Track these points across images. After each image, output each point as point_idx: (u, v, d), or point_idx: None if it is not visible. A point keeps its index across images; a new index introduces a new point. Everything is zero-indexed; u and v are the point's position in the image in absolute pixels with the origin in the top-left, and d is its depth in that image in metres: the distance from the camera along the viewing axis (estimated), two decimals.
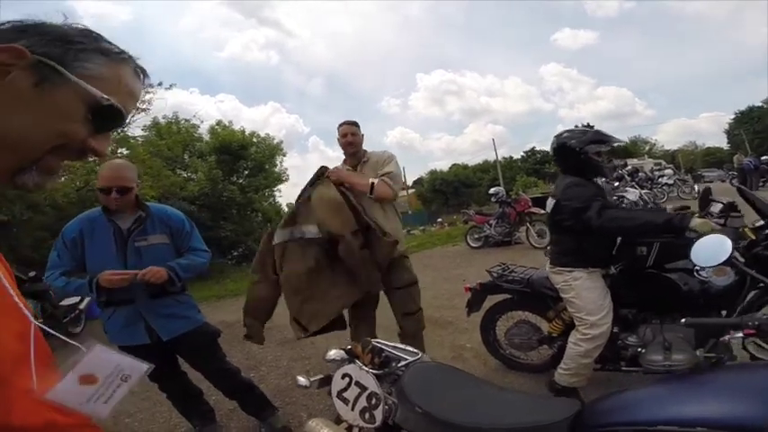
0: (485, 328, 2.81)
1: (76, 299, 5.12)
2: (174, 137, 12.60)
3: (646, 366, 2.10)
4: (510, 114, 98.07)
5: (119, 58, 0.52)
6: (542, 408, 1.00)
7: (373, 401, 1.13)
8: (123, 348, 1.92)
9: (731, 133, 42.12)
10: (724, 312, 2.03)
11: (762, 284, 1.91)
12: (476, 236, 9.02)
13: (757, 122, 38.46)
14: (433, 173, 43.53)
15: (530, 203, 8.61)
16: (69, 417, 0.53)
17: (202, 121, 14.27)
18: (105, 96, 0.50)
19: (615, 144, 2.25)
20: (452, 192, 37.10)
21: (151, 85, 10.44)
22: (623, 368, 2.22)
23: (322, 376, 1.39)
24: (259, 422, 2.38)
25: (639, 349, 2.13)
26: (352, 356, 1.32)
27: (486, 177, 37.36)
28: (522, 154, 43.91)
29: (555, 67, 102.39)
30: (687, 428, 0.74)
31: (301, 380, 1.43)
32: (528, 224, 8.13)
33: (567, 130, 2.32)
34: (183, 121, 13.69)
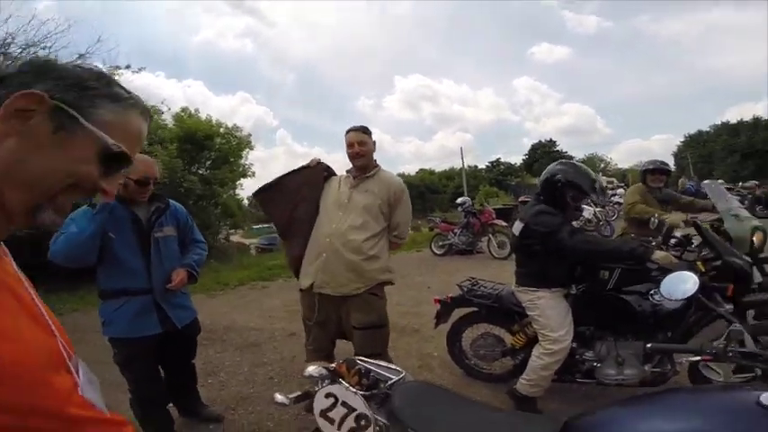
0: (451, 339, 2.89)
1: None
2: None
3: (600, 379, 2.25)
4: (479, 124, 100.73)
5: (127, 103, 0.56)
6: (527, 427, 1.05)
7: (362, 423, 1.14)
8: (129, 340, 2.05)
9: (678, 156, 44.43)
10: (669, 333, 2.22)
11: (703, 309, 2.11)
12: (440, 243, 9.21)
13: (703, 147, 40.86)
14: (400, 176, 43.92)
15: (493, 215, 8.93)
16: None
17: (169, 108, 13.59)
18: (116, 143, 0.54)
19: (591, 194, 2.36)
20: (418, 196, 37.61)
21: (118, 67, 9.90)
22: (578, 380, 2.37)
23: (300, 393, 1.39)
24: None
25: (595, 363, 2.28)
26: (335, 376, 1.30)
27: (451, 184, 38.16)
28: (487, 164, 45.30)
29: (527, 81, 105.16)
30: None
31: (279, 397, 1.40)
32: (490, 235, 8.41)
33: (565, 163, 2.41)
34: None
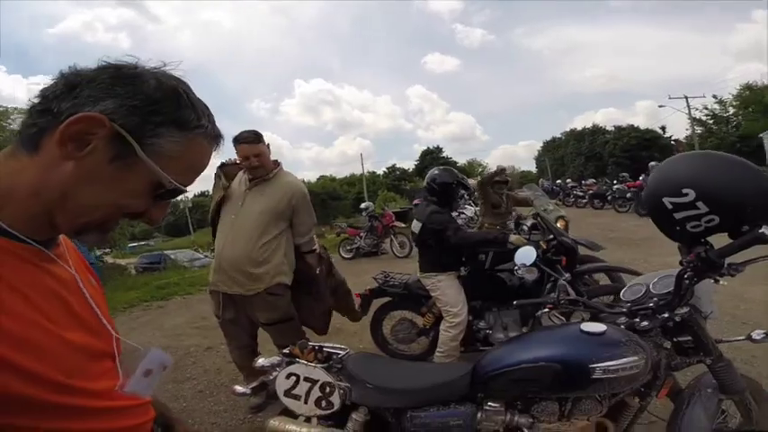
0: (374, 328, 3.29)
1: None
2: None
3: (494, 343, 2.85)
4: (377, 130, 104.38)
5: (193, 131, 0.53)
6: (450, 369, 1.47)
7: (327, 390, 1.36)
8: None
9: (539, 159, 50.52)
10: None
11: (552, 278, 2.87)
12: (348, 247, 9.64)
13: (557, 151, 46.41)
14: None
15: (393, 218, 9.70)
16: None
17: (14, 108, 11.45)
18: (170, 180, 0.52)
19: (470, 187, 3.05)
20: (320, 204, 37.62)
21: None
22: (480, 348, 2.94)
23: (257, 383, 1.54)
24: None
25: (488, 331, 2.90)
26: (291, 358, 1.49)
27: (352, 191, 38.91)
28: (385, 170, 47.16)
29: (420, 90, 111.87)
30: (534, 363, 1.29)
31: (239, 389, 1.56)
32: (392, 236, 9.14)
33: (441, 169, 3.04)
34: None
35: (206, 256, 16.17)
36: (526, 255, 2.18)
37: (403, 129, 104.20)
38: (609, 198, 14.65)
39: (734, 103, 27.19)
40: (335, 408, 1.36)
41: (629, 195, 13.37)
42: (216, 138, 0.57)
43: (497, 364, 1.36)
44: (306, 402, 1.38)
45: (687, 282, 1.43)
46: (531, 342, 1.45)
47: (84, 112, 0.47)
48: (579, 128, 45.87)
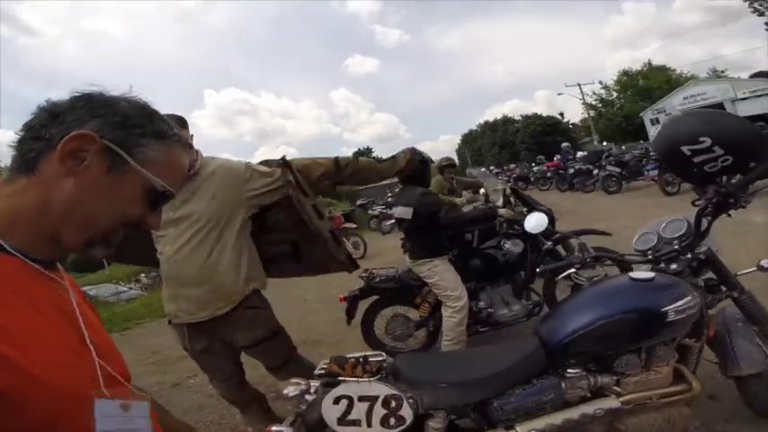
0: (366, 331, 3.05)
1: None
2: None
3: (499, 321, 2.81)
4: (302, 137, 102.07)
5: (171, 140, 0.59)
6: (518, 348, 1.34)
7: (393, 404, 1.16)
8: None
9: (459, 152, 53.91)
10: (522, 273, 2.99)
11: (537, 247, 2.88)
12: None
13: (474, 142, 50.19)
14: None
15: (343, 220, 9.48)
16: None
17: None
18: (163, 184, 0.57)
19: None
20: None
21: None
22: (480, 330, 2.87)
23: (293, 418, 1.23)
24: None
25: (489, 310, 2.84)
26: (330, 378, 1.24)
27: None
28: None
29: (344, 93, 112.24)
30: (611, 318, 1.24)
31: (276, 428, 1.21)
32: (344, 238, 8.90)
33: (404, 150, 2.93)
34: None
35: (131, 288, 14.55)
36: (538, 221, 2.17)
37: (330, 133, 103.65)
38: (531, 179, 15.90)
39: (615, 88, 31.20)
40: (408, 422, 1.17)
41: (549, 174, 14.62)
42: (187, 144, 0.64)
43: (570, 327, 1.29)
44: (369, 425, 1.16)
45: (707, 219, 1.53)
46: (595, 300, 1.39)
47: (76, 131, 0.51)
48: (491, 119, 49.80)
